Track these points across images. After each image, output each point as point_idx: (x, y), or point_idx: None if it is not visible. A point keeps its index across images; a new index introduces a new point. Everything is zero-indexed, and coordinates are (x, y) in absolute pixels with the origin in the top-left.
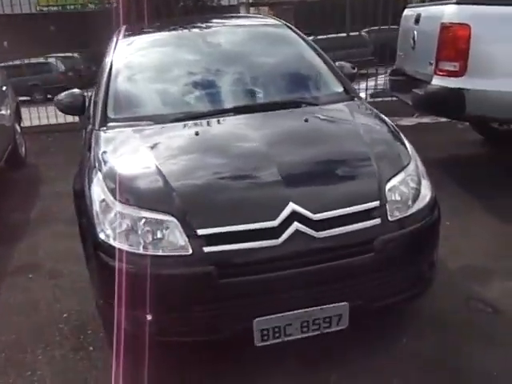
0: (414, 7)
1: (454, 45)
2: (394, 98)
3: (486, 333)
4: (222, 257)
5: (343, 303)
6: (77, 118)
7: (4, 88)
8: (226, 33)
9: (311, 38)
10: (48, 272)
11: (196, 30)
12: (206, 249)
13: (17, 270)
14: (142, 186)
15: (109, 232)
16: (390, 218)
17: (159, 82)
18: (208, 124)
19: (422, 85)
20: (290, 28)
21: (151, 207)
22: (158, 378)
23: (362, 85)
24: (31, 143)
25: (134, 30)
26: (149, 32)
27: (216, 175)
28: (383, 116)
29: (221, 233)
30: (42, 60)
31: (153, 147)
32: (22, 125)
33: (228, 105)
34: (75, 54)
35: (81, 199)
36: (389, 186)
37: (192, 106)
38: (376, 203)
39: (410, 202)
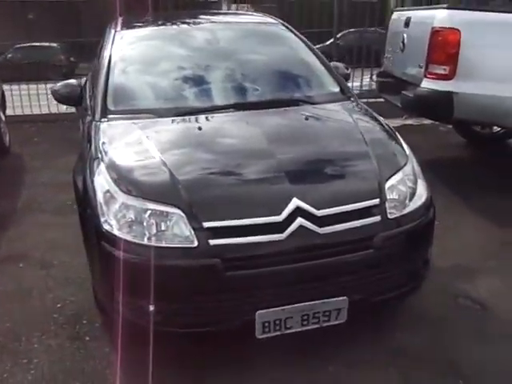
0: (402, 11)
1: (444, 49)
2: (379, 99)
3: (475, 328)
4: (227, 250)
5: (343, 298)
6: (60, 109)
7: None
8: (225, 29)
9: None
10: (38, 262)
11: (194, 25)
12: (212, 241)
13: (6, 260)
14: (146, 177)
15: (113, 223)
16: (389, 216)
17: (159, 75)
18: (209, 119)
19: (410, 87)
20: (287, 27)
21: (157, 199)
22: (159, 368)
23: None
24: (14, 133)
25: (131, 22)
26: (147, 25)
27: (220, 170)
28: (379, 116)
29: (226, 226)
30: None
31: (155, 140)
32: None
33: (228, 101)
34: (53, 44)
35: (82, 190)
36: (388, 184)
37: (192, 100)
38: (376, 201)
39: (407, 201)
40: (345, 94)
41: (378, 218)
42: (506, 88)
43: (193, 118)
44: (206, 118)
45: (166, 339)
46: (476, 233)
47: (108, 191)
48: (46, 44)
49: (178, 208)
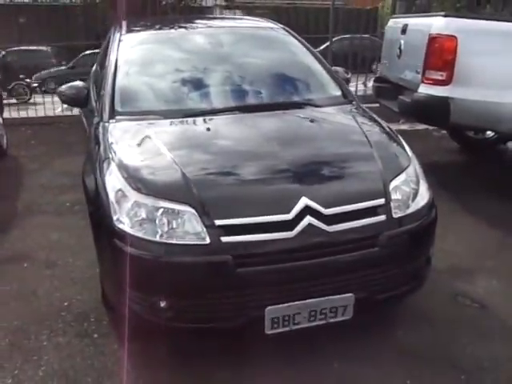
0: (398, 18)
1: (441, 55)
2: (375, 105)
3: (475, 325)
4: (238, 247)
5: (349, 294)
6: (56, 112)
7: None
8: (229, 33)
9: None
10: (43, 262)
11: (198, 29)
12: (224, 239)
13: (10, 260)
14: (158, 176)
15: (125, 221)
16: (393, 215)
17: (165, 77)
18: (217, 120)
19: (407, 92)
20: (289, 31)
21: (169, 197)
22: (168, 364)
23: None
24: (11, 136)
25: (135, 25)
26: (151, 29)
27: (230, 169)
28: (380, 119)
29: (237, 224)
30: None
31: (164, 140)
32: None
33: (234, 103)
34: (44, 48)
35: (93, 190)
36: (392, 185)
37: (199, 102)
38: (381, 201)
39: (410, 201)
40: (347, 97)
41: (383, 217)
42: (501, 94)
43: (200, 119)
44: (213, 119)
45: (176, 335)
46: (473, 234)
47: (120, 190)
48: (38, 48)
49: (190, 206)
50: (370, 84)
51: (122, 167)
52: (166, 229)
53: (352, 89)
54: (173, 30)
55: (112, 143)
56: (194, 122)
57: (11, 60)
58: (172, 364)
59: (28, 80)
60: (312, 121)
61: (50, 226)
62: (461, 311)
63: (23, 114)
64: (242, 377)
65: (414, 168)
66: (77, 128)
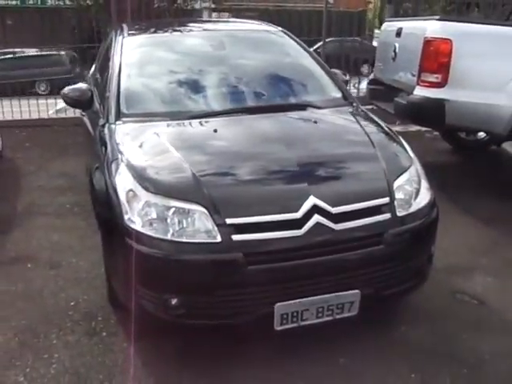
0: (392, 21)
1: (436, 58)
2: (367, 107)
3: (475, 321)
4: (248, 245)
5: (355, 291)
6: (50, 114)
7: None
8: (230, 36)
9: None
10: (46, 263)
11: (198, 32)
12: (234, 237)
13: (13, 261)
14: (168, 176)
15: (137, 220)
16: (398, 214)
17: (170, 79)
18: (222, 121)
19: (402, 94)
20: (288, 34)
21: (180, 197)
22: (177, 361)
23: None
24: (5, 138)
25: (137, 28)
26: (152, 31)
27: (239, 168)
28: (380, 121)
29: (248, 223)
30: None
31: (172, 140)
32: None
33: (239, 105)
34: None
35: (103, 191)
36: (396, 184)
37: (204, 104)
38: (386, 199)
39: (412, 200)
40: (347, 99)
41: (387, 216)
42: (495, 96)
43: (207, 120)
44: (220, 120)
45: (185, 332)
46: (469, 233)
47: (131, 190)
48: (17, 50)
49: (201, 205)
50: (361, 86)
51: (132, 168)
52: (177, 228)
53: None
54: (174, 33)
55: (119, 144)
56: (201, 123)
57: None
58: (181, 360)
59: None
60: (315, 122)
61: (51, 227)
62: (460, 307)
63: (17, 116)
64: (247, 372)
65: (415, 168)
66: (71, 130)
